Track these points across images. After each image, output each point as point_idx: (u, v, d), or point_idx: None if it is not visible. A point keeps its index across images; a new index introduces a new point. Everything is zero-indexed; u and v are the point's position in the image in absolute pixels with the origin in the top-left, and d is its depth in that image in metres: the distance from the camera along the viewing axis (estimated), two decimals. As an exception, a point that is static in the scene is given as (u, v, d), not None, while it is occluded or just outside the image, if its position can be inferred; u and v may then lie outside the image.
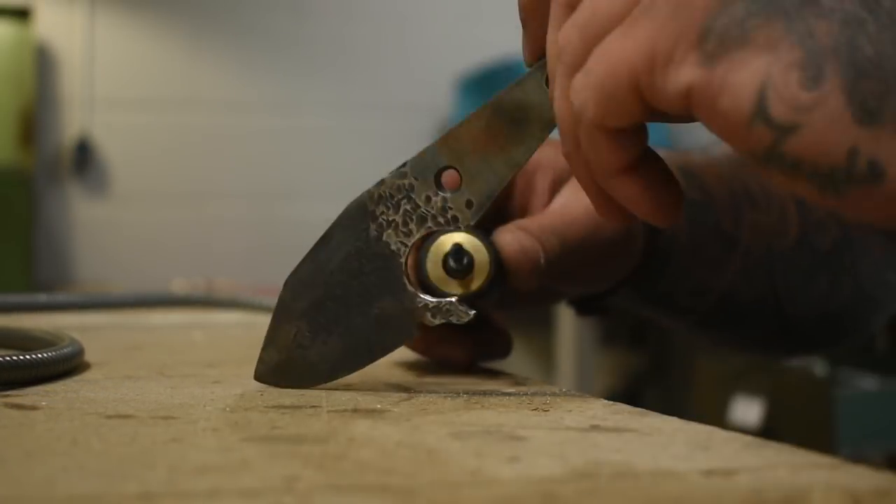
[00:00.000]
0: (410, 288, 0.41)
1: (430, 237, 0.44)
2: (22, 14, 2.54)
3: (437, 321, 0.41)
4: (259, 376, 0.42)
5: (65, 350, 0.45)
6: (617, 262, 0.51)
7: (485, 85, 2.61)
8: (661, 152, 0.54)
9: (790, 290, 0.60)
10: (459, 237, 0.44)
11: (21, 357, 0.41)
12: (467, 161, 0.40)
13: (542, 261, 0.46)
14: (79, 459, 0.27)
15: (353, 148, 2.78)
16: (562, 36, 0.34)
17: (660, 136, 2.12)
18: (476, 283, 0.43)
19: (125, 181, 2.70)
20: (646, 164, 0.34)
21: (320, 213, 2.76)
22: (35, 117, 2.55)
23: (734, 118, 0.29)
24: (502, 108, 0.39)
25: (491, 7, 2.89)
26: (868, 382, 1.92)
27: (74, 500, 0.23)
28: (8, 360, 0.40)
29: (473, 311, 0.41)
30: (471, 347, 0.48)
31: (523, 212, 0.50)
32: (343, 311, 0.42)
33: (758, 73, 0.29)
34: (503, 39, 2.85)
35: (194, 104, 2.75)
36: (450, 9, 2.90)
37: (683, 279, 0.56)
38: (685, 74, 0.30)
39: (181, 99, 2.75)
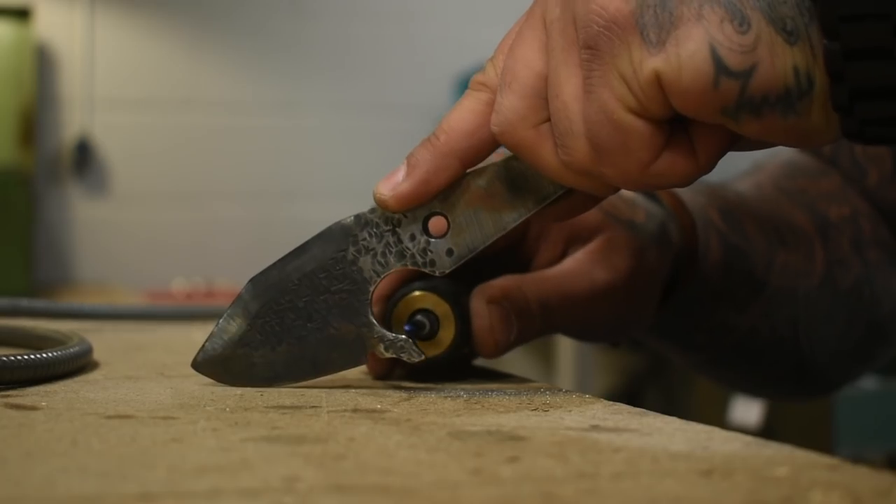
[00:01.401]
0: (372, 318, 0.41)
1: (402, 290, 0.44)
2: (22, 14, 2.54)
3: (388, 355, 0.41)
4: (196, 365, 0.43)
5: (76, 349, 0.45)
6: (632, 314, 0.50)
7: (485, 85, 2.61)
8: (698, 188, 0.54)
9: (810, 330, 0.59)
10: (430, 301, 0.43)
11: (35, 356, 0.42)
12: (458, 212, 0.40)
13: (513, 337, 0.44)
14: (79, 459, 0.27)
15: (353, 148, 2.78)
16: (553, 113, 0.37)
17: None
18: (434, 351, 0.43)
19: (125, 181, 2.70)
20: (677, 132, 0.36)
21: (320, 213, 2.76)
22: (35, 117, 2.55)
23: (701, 84, 0.33)
24: (507, 171, 0.40)
25: (491, 7, 2.89)
26: (868, 382, 1.92)
27: (74, 500, 0.23)
28: (22, 360, 0.41)
29: (424, 356, 0.41)
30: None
31: (528, 259, 0.48)
32: (299, 323, 0.42)
33: (702, 39, 0.33)
34: (503, 39, 2.85)
35: (194, 104, 2.75)
36: (450, 9, 2.90)
37: (704, 319, 0.55)
38: (647, 67, 0.34)
39: (181, 99, 2.75)
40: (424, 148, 0.41)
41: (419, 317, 0.43)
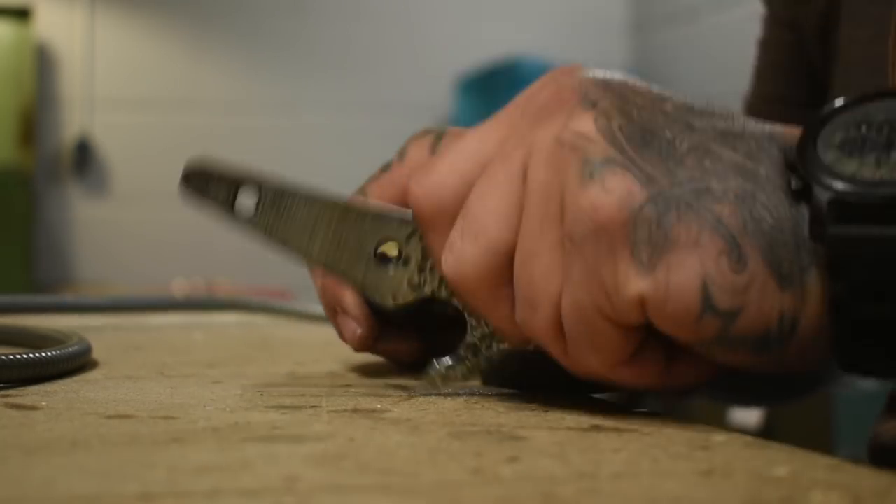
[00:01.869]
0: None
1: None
2: (22, 14, 2.54)
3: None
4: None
5: (75, 348, 0.45)
6: None
7: (485, 85, 2.61)
8: None
9: None
10: None
11: (33, 355, 0.42)
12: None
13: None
14: (79, 459, 0.27)
15: (353, 148, 2.78)
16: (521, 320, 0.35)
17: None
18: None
19: (125, 181, 2.70)
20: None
21: (320, 213, 2.76)
22: (35, 117, 2.55)
23: (686, 317, 0.32)
24: None
25: (491, 7, 2.89)
26: (868, 382, 1.92)
27: (74, 500, 0.23)
28: (19, 359, 0.41)
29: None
30: (417, 343, 0.45)
31: None
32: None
33: (695, 272, 0.31)
34: (503, 39, 2.85)
35: (194, 104, 2.75)
36: (450, 9, 2.90)
37: None
38: (633, 287, 0.32)
39: (181, 99, 2.75)
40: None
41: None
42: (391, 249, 0.40)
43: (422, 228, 0.38)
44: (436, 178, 0.36)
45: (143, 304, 0.77)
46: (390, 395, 0.40)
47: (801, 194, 0.32)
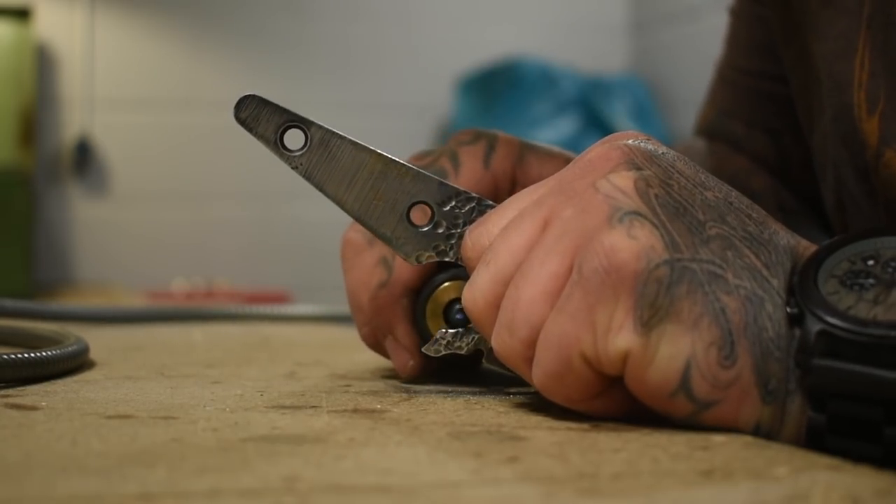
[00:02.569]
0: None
1: (429, 285, 0.43)
2: (22, 14, 2.54)
3: (444, 352, 0.40)
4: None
5: (73, 348, 0.45)
6: None
7: (485, 85, 2.61)
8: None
9: None
10: (454, 290, 0.43)
11: (30, 355, 0.42)
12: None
13: None
14: (79, 459, 0.27)
15: (353, 148, 2.78)
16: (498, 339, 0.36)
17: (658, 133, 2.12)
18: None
19: (125, 181, 2.70)
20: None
21: (320, 213, 2.76)
22: (35, 117, 2.55)
23: (660, 390, 0.32)
24: None
25: (491, 7, 2.89)
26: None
27: (74, 500, 0.23)
28: (17, 358, 0.41)
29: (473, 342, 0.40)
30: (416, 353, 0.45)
31: None
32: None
33: (684, 351, 0.31)
34: (503, 39, 2.85)
35: (194, 104, 2.75)
36: (450, 9, 2.90)
37: None
38: (623, 340, 0.32)
39: (181, 99, 2.75)
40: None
41: (458, 306, 0.43)
42: (422, 217, 0.40)
43: (468, 271, 0.38)
44: (483, 229, 0.38)
45: (144, 315, 0.77)
46: (390, 395, 0.40)
47: (795, 319, 0.32)
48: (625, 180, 0.34)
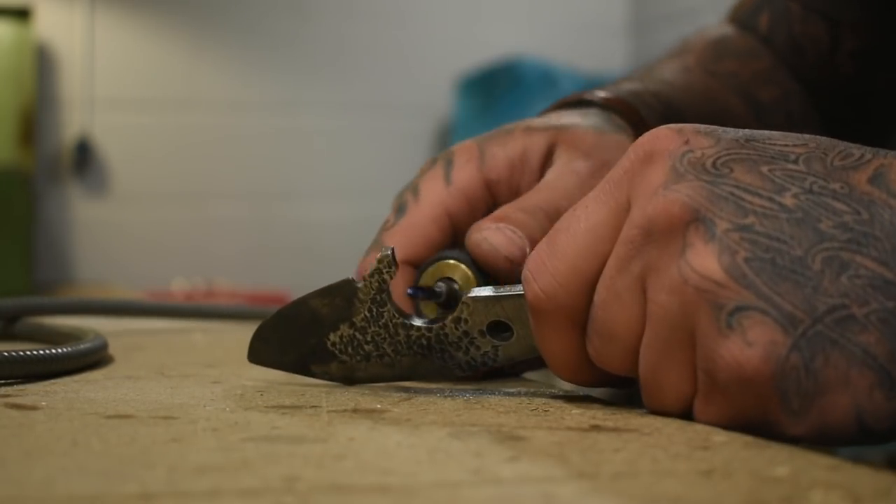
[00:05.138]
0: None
1: (432, 258, 0.44)
2: (22, 14, 2.54)
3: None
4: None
5: (96, 343, 0.48)
6: None
7: (485, 85, 2.61)
8: (636, 88, 0.53)
9: None
10: (457, 272, 0.43)
11: (58, 350, 0.44)
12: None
13: (527, 250, 0.43)
14: (79, 459, 0.27)
15: (352, 148, 2.78)
16: None
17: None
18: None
19: (125, 181, 2.70)
20: None
21: (320, 213, 2.76)
22: (35, 117, 2.55)
23: (840, 441, 0.31)
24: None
25: (491, 7, 2.89)
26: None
27: (74, 500, 0.23)
28: (51, 353, 0.43)
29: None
30: None
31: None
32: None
33: (849, 409, 0.30)
34: (503, 39, 2.85)
35: (194, 104, 2.75)
36: (450, 9, 2.90)
37: None
38: (788, 434, 0.31)
39: (181, 99, 2.75)
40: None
41: (439, 283, 0.43)
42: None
43: (537, 323, 0.37)
44: (556, 280, 0.36)
45: (149, 309, 0.77)
46: (390, 395, 0.40)
47: None
48: (708, 261, 0.31)
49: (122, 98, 2.70)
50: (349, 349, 0.41)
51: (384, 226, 0.46)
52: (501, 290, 0.39)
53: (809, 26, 0.63)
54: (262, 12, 2.80)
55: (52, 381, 0.43)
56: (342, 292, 0.41)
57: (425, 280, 0.44)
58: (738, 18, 0.68)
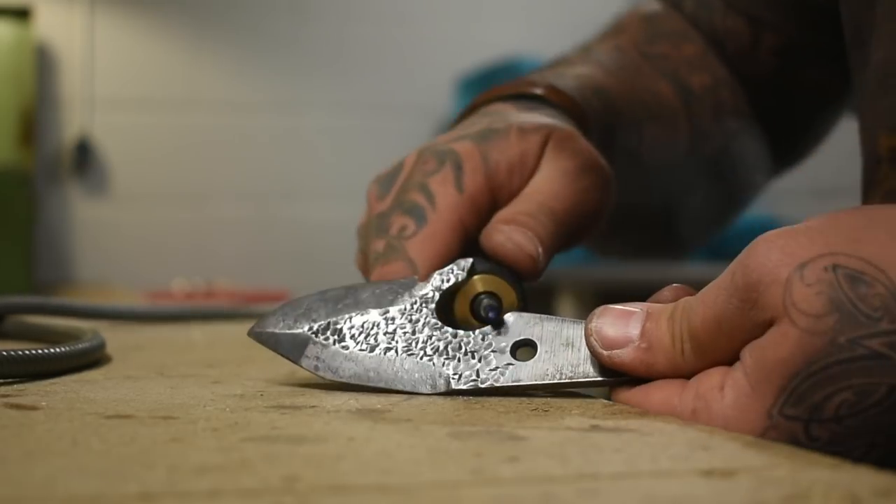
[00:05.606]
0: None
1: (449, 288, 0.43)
2: (22, 14, 2.54)
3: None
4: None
5: (94, 342, 0.48)
6: (595, 221, 0.50)
7: (485, 85, 2.60)
8: (570, 71, 0.53)
9: (675, 200, 0.62)
10: (480, 284, 0.43)
11: (57, 349, 0.44)
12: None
13: (539, 246, 0.44)
14: (79, 459, 0.27)
15: (353, 148, 2.78)
16: None
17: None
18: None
19: (125, 181, 2.70)
20: None
21: (320, 213, 2.76)
22: (35, 117, 2.55)
23: None
24: None
25: (491, 7, 2.89)
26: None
27: (74, 500, 0.23)
28: (51, 352, 0.43)
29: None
30: None
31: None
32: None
33: None
34: (503, 39, 2.85)
35: (194, 104, 2.75)
36: (450, 9, 2.90)
37: None
38: None
39: (181, 99, 2.75)
40: None
41: (487, 300, 0.42)
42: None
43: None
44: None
45: (151, 314, 0.78)
46: (390, 395, 0.40)
47: None
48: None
49: (122, 98, 2.70)
50: (360, 335, 0.41)
51: (402, 233, 0.46)
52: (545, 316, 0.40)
53: (729, 20, 0.63)
54: (263, 13, 2.80)
55: (52, 381, 0.43)
56: (401, 284, 0.42)
57: (461, 297, 0.43)
58: None
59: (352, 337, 0.42)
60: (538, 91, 0.53)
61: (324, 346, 0.42)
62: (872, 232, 0.32)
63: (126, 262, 2.68)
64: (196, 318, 0.79)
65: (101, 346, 0.49)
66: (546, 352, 0.39)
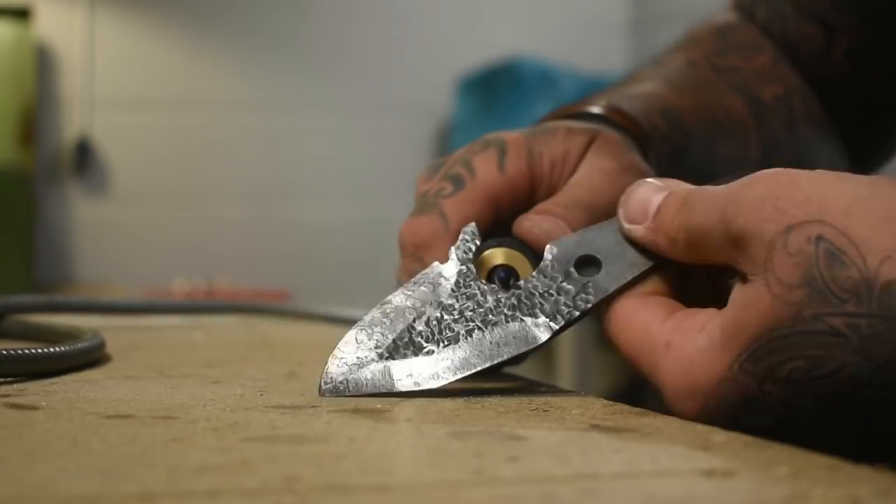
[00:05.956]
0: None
1: (482, 246, 0.43)
2: (22, 14, 2.54)
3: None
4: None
5: (94, 342, 0.48)
6: None
7: (485, 85, 2.61)
8: (638, 91, 0.54)
9: None
10: (500, 256, 0.43)
11: (56, 349, 0.44)
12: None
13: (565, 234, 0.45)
14: (79, 459, 0.27)
15: (352, 148, 2.78)
16: None
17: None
18: None
19: (125, 181, 2.70)
20: None
21: (320, 213, 2.76)
22: (35, 117, 2.55)
23: None
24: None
25: (491, 7, 2.89)
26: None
27: (74, 500, 0.23)
28: (48, 352, 0.43)
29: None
30: None
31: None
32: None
33: None
34: (503, 39, 2.85)
35: (194, 104, 2.76)
36: (450, 9, 2.90)
37: None
38: None
39: (181, 99, 2.75)
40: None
41: (500, 272, 0.42)
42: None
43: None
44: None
45: (149, 307, 0.78)
46: (390, 395, 0.40)
47: None
48: None
49: (122, 98, 2.70)
50: (436, 334, 0.41)
51: (440, 192, 0.46)
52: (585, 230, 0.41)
53: (802, 26, 0.64)
54: (262, 12, 2.80)
55: (52, 380, 0.43)
56: (426, 278, 0.42)
57: (482, 261, 0.43)
58: (741, 4, 0.68)
59: (427, 340, 0.41)
60: (599, 110, 0.53)
61: (409, 362, 0.41)
62: (870, 209, 0.33)
63: (126, 261, 2.68)
64: (196, 312, 0.79)
65: (101, 345, 0.49)
66: (606, 259, 0.40)
